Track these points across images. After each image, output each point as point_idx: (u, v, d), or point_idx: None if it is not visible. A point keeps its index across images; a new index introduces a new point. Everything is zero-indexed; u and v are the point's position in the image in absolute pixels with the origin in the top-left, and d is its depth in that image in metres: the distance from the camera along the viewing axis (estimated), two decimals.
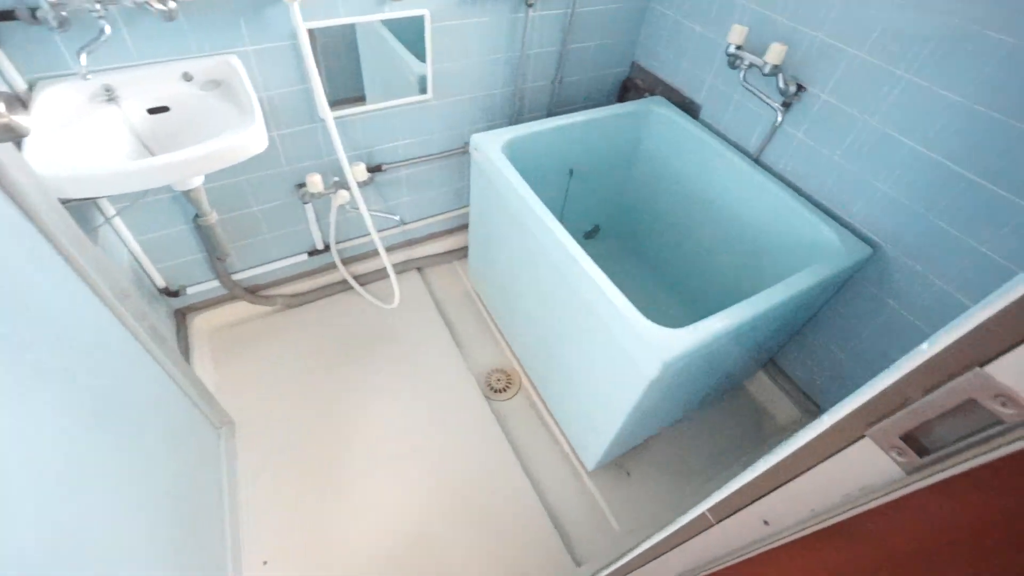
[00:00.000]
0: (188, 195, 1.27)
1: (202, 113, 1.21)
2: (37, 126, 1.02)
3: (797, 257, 1.38)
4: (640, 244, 1.98)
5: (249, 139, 1.07)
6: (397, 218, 1.62)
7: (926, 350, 0.35)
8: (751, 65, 1.35)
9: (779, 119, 1.35)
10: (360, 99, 1.49)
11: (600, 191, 1.88)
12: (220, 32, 1.21)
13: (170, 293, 1.63)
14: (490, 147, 1.41)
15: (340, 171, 1.54)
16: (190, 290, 1.66)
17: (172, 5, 1.09)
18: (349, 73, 1.45)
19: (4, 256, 0.68)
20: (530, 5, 1.49)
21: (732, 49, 1.38)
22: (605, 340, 1.15)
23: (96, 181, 0.97)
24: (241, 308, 1.78)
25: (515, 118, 1.78)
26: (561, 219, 1.87)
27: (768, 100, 1.37)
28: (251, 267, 1.72)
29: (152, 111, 1.20)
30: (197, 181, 1.25)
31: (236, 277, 1.70)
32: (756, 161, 1.50)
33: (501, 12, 1.50)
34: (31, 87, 1.10)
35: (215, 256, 1.51)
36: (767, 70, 1.30)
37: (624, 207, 1.97)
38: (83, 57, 1.03)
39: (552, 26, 1.61)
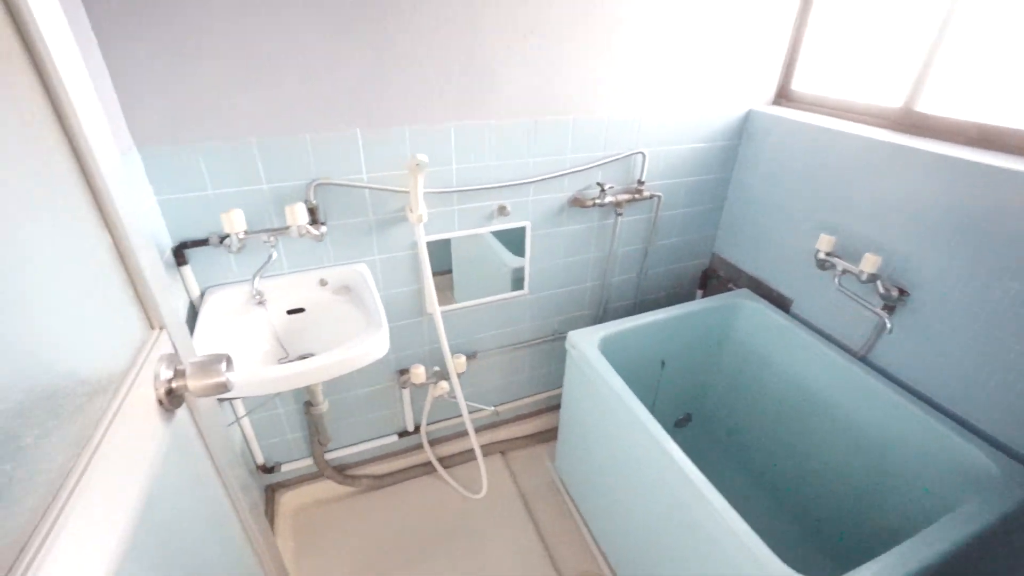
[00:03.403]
0: (308, 387, 1.37)
1: (332, 315, 1.37)
2: (202, 325, 1.20)
3: (936, 480, 1.22)
4: (735, 436, 1.87)
5: (374, 346, 1.18)
6: (492, 409, 1.65)
7: None
8: (845, 271, 1.38)
9: (887, 324, 1.31)
10: (447, 272, 1.61)
11: (691, 381, 1.85)
12: (354, 247, 1.42)
13: (266, 470, 1.67)
14: (586, 344, 1.46)
15: (441, 361, 1.64)
16: (284, 467, 1.70)
17: (323, 230, 1.31)
18: (439, 254, 1.56)
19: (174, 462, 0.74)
20: (619, 214, 1.66)
21: (822, 255, 1.42)
22: (719, 566, 1.02)
23: (241, 385, 1.09)
24: (326, 487, 1.78)
25: (601, 306, 1.86)
26: (653, 408, 1.83)
27: (869, 306, 1.36)
28: (343, 447, 1.76)
29: (290, 312, 1.37)
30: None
31: (327, 456, 1.74)
32: (864, 360, 1.44)
33: (592, 220, 1.67)
34: (203, 293, 1.31)
35: (316, 439, 1.57)
36: (864, 278, 1.31)
37: (716, 396, 1.90)
38: (257, 280, 1.24)
39: (637, 228, 1.77)
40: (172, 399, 0.64)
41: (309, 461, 1.71)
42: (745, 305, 1.71)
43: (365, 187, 1.33)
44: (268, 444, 1.65)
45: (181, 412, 0.69)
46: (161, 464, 0.63)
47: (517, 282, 1.69)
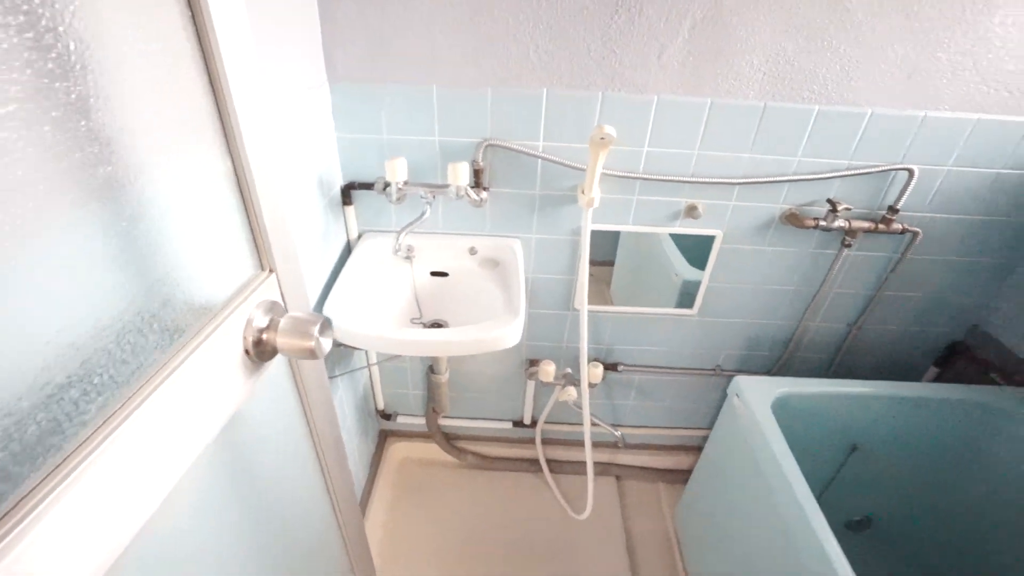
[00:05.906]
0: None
1: (473, 287, 1.27)
2: (350, 267, 1.20)
3: None
4: (939, 562, 1.37)
5: (506, 335, 1.05)
6: (619, 434, 1.43)
7: None
8: None
9: None
10: (608, 263, 1.40)
11: (887, 478, 1.39)
12: (512, 219, 1.28)
13: (384, 416, 1.70)
14: (756, 399, 1.15)
15: (575, 364, 1.46)
16: (400, 419, 1.71)
17: (484, 196, 1.20)
18: (601, 243, 1.35)
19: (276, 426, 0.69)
20: (847, 245, 1.25)
21: None
22: None
23: (370, 340, 1.04)
24: (433, 449, 1.76)
25: (785, 352, 1.48)
26: (821, 498, 1.43)
27: None
28: (457, 417, 1.71)
29: (434, 274, 1.30)
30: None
31: (440, 421, 1.70)
32: None
33: (807, 245, 1.30)
34: (359, 236, 1.31)
35: (432, 405, 1.53)
36: None
37: (922, 504, 1.41)
38: (405, 235, 1.20)
39: (868, 268, 1.33)
40: (260, 351, 0.56)
41: (423, 420, 1.69)
42: (1019, 414, 1.19)
43: (538, 156, 1.18)
44: (390, 392, 1.67)
45: (276, 364, 0.61)
46: (235, 419, 0.56)
47: (686, 297, 1.41)
